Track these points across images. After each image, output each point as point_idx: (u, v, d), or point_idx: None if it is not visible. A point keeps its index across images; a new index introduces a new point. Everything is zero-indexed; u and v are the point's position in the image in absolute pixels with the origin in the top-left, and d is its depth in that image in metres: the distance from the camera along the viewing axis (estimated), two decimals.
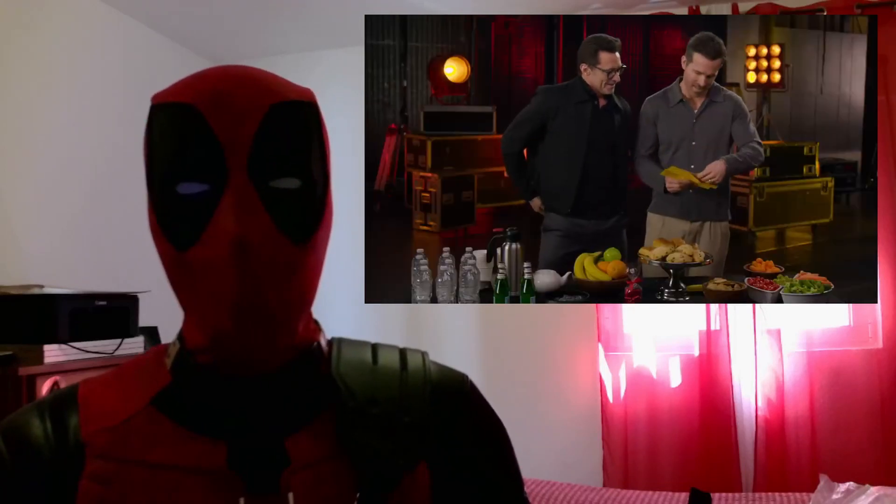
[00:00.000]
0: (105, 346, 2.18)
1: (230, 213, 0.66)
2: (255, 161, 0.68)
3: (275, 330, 0.70)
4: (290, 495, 0.70)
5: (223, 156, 0.67)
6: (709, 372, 2.89)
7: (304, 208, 0.71)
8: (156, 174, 0.70)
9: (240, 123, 0.68)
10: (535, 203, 2.34)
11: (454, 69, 4.06)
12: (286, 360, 0.73)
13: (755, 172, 3.46)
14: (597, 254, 2.11)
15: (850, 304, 2.88)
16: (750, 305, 2.85)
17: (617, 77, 2.21)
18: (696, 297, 2.06)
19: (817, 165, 3.77)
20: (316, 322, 0.80)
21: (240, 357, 0.70)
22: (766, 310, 2.85)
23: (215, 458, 0.70)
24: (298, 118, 0.71)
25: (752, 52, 4.13)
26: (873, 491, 2.10)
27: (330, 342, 0.81)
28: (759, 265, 2.13)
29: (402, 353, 0.82)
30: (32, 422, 0.72)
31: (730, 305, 2.89)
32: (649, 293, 2.04)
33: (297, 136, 0.71)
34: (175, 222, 0.69)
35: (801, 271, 2.03)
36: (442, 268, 2.01)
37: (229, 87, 0.69)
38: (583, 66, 2.22)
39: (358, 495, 0.71)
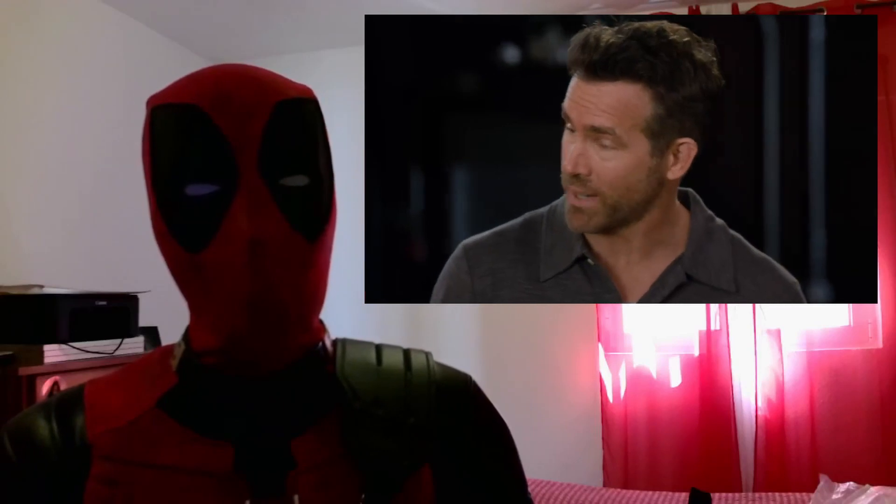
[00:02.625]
0: (105, 346, 2.18)
1: (244, 212, 0.66)
2: (265, 159, 0.68)
3: (290, 328, 0.70)
4: (296, 497, 0.69)
5: (233, 155, 0.67)
6: (709, 372, 2.88)
7: (315, 205, 0.71)
8: (161, 177, 0.69)
9: (247, 122, 0.68)
10: None
11: None
12: (292, 360, 0.73)
13: None
14: None
15: (850, 304, 2.88)
16: (750, 305, 2.85)
17: None
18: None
19: None
20: (321, 321, 0.79)
21: (254, 356, 0.70)
22: (766, 310, 2.85)
23: (221, 460, 0.70)
24: (303, 115, 0.71)
25: None
26: (873, 491, 2.10)
27: (334, 343, 0.80)
28: None
29: (406, 353, 0.82)
30: (39, 423, 0.72)
31: (730, 305, 2.89)
32: None
33: (304, 133, 0.71)
34: (185, 224, 0.68)
35: None
36: None
37: (231, 87, 0.69)
38: None
39: (363, 497, 0.70)
